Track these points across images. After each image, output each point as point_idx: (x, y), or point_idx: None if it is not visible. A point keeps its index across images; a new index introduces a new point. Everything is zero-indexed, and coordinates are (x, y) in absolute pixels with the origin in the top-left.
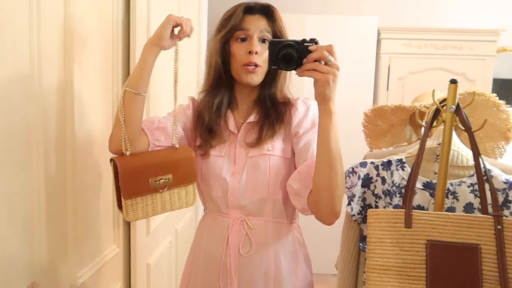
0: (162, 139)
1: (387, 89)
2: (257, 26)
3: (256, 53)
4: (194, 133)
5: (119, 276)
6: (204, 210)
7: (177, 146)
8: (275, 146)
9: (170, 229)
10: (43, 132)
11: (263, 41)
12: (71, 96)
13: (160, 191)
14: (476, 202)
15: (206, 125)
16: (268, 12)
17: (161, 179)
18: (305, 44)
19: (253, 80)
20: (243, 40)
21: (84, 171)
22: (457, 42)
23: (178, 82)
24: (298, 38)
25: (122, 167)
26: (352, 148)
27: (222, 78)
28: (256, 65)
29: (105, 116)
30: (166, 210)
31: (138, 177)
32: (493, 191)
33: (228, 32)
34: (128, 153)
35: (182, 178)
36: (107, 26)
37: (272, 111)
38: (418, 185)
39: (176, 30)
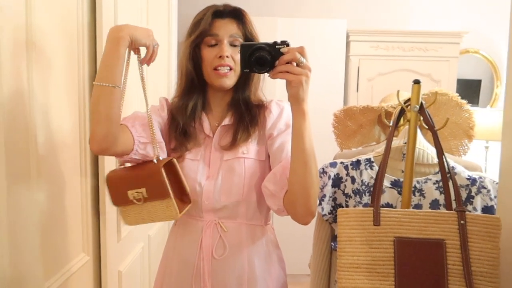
0: (146, 135)
1: (357, 90)
2: (227, 30)
3: (227, 57)
4: (168, 136)
5: (89, 285)
6: None
7: (160, 157)
8: (250, 149)
9: (142, 235)
10: (4, 138)
11: (234, 45)
12: (33, 102)
13: (138, 203)
14: (442, 199)
15: (181, 128)
16: (238, 16)
17: (136, 192)
18: (277, 46)
19: (225, 84)
20: (213, 45)
21: (50, 177)
22: (422, 44)
23: (147, 96)
24: (269, 40)
25: (109, 177)
26: (324, 148)
27: (194, 82)
28: (230, 68)
29: (71, 120)
30: (154, 220)
31: (120, 188)
32: (456, 187)
33: (197, 37)
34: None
35: (155, 192)
36: (71, 30)
37: (246, 114)
38: (386, 183)
39: (143, 51)
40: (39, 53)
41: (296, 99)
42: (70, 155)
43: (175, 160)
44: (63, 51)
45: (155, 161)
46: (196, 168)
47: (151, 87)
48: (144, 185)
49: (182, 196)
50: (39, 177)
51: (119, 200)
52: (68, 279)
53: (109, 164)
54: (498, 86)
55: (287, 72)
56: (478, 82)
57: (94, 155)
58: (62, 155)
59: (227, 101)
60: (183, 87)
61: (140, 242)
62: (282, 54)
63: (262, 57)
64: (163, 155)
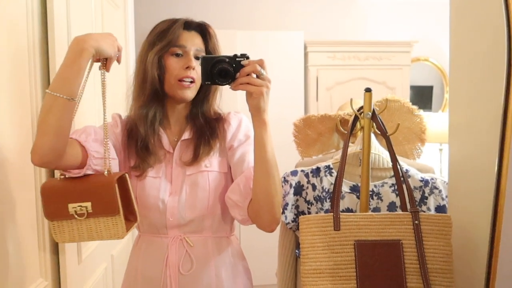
0: (100, 150)
1: (317, 100)
2: (193, 43)
3: (193, 69)
4: (126, 153)
5: None
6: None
7: (111, 171)
8: (212, 162)
9: (105, 255)
10: None
11: (196, 58)
12: None
13: (80, 218)
14: (398, 201)
15: (142, 141)
16: (203, 31)
17: (79, 206)
18: (237, 59)
19: (187, 96)
20: (178, 55)
21: (2, 198)
22: (376, 53)
23: (105, 103)
24: (229, 53)
25: (44, 188)
26: (286, 158)
27: (157, 92)
28: (192, 81)
29: (22, 134)
30: (93, 238)
31: (58, 200)
32: (409, 189)
33: (165, 47)
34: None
35: (103, 207)
36: (21, 45)
37: (207, 128)
38: (346, 189)
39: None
40: None
41: (257, 110)
42: (22, 173)
43: (127, 175)
44: (11, 64)
45: (105, 174)
46: (158, 185)
47: (108, 99)
48: (90, 199)
49: (128, 214)
50: None
51: (56, 213)
52: None
53: None
54: (448, 92)
55: (248, 83)
56: (430, 88)
57: (50, 171)
58: (12, 173)
59: (185, 115)
60: (147, 96)
61: (103, 263)
62: (242, 66)
63: (224, 69)
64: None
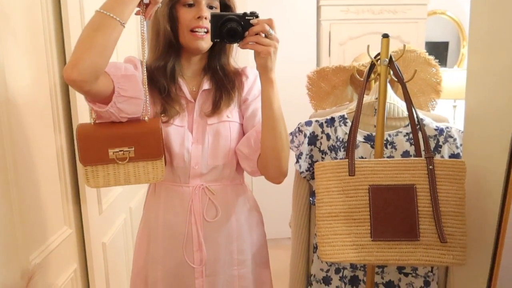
0: (128, 89)
1: (329, 55)
2: None
3: (205, 18)
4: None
5: (74, 257)
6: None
7: (146, 119)
8: (233, 113)
9: (123, 207)
10: None
11: (211, 7)
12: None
13: (121, 162)
14: (412, 150)
15: (165, 90)
16: None
17: (121, 151)
18: (247, 17)
19: (202, 46)
20: (190, 5)
21: (25, 151)
22: (391, 6)
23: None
24: (240, 6)
25: (81, 134)
26: (299, 113)
27: (172, 44)
28: (207, 31)
29: (40, 84)
30: (130, 182)
31: (98, 145)
32: (425, 136)
33: None
34: (92, 118)
35: (146, 152)
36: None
37: (226, 81)
38: (360, 138)
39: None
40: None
41: (264, 68)
42: (44, 130)
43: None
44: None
45: (146, 119)
46: (183, 133)
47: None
48: (134, 143)
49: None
50: (14, 153)
51: (94, 158)
52: (53, 252)
53: None
54: (464, 46)
55: (257, 43)
56: (446, 44)
57: (69, 130)
58: (33, 127)
59: (202, 66)
60: (161, 48)
61: (121, 214)
62: (251, 25)
63: (233, 29)
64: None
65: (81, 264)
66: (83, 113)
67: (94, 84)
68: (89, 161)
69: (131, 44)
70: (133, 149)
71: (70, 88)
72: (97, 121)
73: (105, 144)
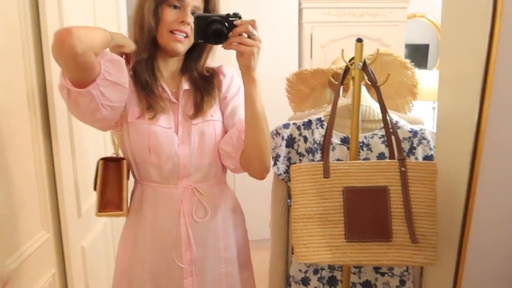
0: (114, 74)
1: (311, 57)
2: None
3: (188, 24)
4: (133, 96)
5: (52, 262)
6: (135, 183)
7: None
8: (217, 112)
9: None
10: None
11: (192, 13)
12: None
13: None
14: (387, 152)
15: (150, 86)
16: None
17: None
18: (230, 19)
19: (178, 49)
20: (175, 7)
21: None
22: (372, 9)
23: None
24: (222, 8)
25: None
26: (279, 114)
27: (154, 40)
28: (187, 36)
29: (15, 88)
30: None
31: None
32: (398, 139)
33: None
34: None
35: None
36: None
37: (205, 82)
38: (336, 140)
39: None
40: None
41: (247, 68)
42: (20, 133)
43: (124, 162)
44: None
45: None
46: (170, 135)
47: None
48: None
49: (120, 202)
50: None
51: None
52: (30, 256)
53: (63, 134)
54: None
55: (240, 43)
56: (426, 46)
57: (47, 132)
58: (9, 130)
59: (179, 68)
60: (145, 42)
61: (102, 217)
62: (235, 26)
63: (219, 30)
64: (113, 114)
65: (59, 269)
66: (61, 115)
67: (86, 52)
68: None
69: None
70: None
71: (48, 90)
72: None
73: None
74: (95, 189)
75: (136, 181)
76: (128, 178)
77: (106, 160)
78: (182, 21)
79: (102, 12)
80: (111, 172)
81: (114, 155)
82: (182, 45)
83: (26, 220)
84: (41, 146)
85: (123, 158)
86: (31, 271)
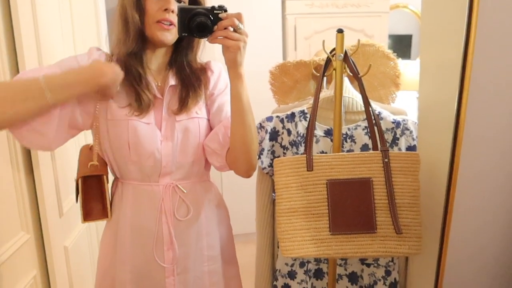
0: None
1: (295, 49)
2: None
3: (172, 11)
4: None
5: (33, 264)
6: (115, 180)
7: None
8: (202, 109)
9: None
10: None
11: (179, 1)
12: None
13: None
14: (371, 143)
15: (139, 80)
16: None
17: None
18: (215, 11)
19: (167, 39)
20: None
21: None
22: (355, 0)
23: None
24: (207, 4)
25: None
26: (264, 107)
27: (141, 33)
28: (171, 23)
29: None
30: None
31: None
32: (380, 130)
33: None
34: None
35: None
36: None
37: (193, 77)
38: (320, 133)
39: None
40: None
41: (233, 63)
42: None
43: (104, 177)
44: None
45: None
46: (151, 132)
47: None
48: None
49: (103, 209)
50: None
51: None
52: (9, 259)
53: None
54: None
55: (226, 37)
56: (409, 37)
57: None
58: None
59: (167, 61)
60: (131, 37)
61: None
62: (220, 19)
63: (203, 23)
64: (85, 117)
65: (41, 270)
66: None
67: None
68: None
69: (90, 32)
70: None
71: None
72: None
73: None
74: (77, 201)
75: (116, 179)
76: (107, 189)
77: (85, 178)
78: (166, 9)
79: (79, 6)
80: (93, 185)
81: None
82: (170, 34)
83: (3, 221)
84: (17, 144)
85: (102, 174)
86: (10, 274)
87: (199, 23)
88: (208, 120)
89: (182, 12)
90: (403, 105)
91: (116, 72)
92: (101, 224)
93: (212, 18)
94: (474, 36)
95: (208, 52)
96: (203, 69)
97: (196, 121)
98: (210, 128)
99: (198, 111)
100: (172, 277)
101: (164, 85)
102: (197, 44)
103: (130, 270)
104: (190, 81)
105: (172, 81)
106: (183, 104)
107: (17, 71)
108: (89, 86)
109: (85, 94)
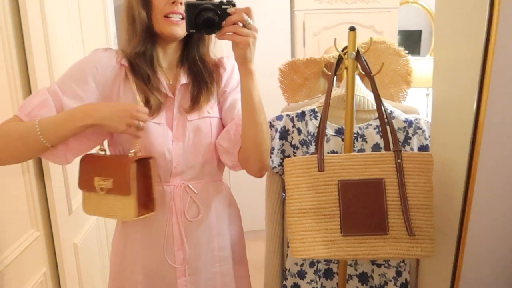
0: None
1: (304, 46)
2: None
3: (180, 3)
4: (120, 89)
5: (43, 261)
6: None
7: (138, 153)
8: (214, 108)
9: None
10: None
11: None
12: None
13: (101, 193)
14: (382, 142)
15: (149, 80)
16: None
17: (103, 180)
18: (223, 6)
19: (177, 33)
20: None
21: None
22: None
23: None
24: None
25: (82, 158)
26: (273, 104)
27: (149, 30)
28: (182, 17)
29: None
30: (110, 215)
31: (88, 172)
32: (393, 130)
33: None
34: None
35: (120, 186)
36: None
37: (206, 74)
38: (331, 132)
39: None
40: None
41: (243, 60)
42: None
43: (152, 161)
44: None
45: (132, 153)
46: (162, 132)
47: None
48: (113, 175)
49: (148, 202)
50: None
51: (84, 184)
52: (19, 256)
53: None
54: None
55: (235, 33)
56: (419, 32)
57: None
58: None
59: (177, 57)
60: (139, 35)
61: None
62: (228, 14)
63: (210, 19)
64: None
65: (51, 267)
66: None
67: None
68: (82, 186)
69: (99, 31)
70: (112, 180)
71: (32, 88)
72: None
73: (93, 171)
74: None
75: None
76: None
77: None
78: (173, 2)
79: (87, 4)
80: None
81: (101, 152)
82: (180, 28)
83: (13, 219)
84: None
85: (151, 157)
86: (21, 271)
87: (206, 19)
88: (221, 118)
89: (189, 7)
90: (412, 102)
91: (113, 111)
92: (110, 220)
93: (220, 13)
94: (495, 34)
95: (217, 47)
96: (216, 66)
97: (207, 120)
98: (223, 126)
99: (210, 110)
100: (183, 278)
101: (176, 83)
102: (208, 37)
103: (141, 271)
104: (203, 77)
105: (183, 79)
106: (195, 102)
107: (26, 71)
108: (77, 129)
109: (75, 132)
